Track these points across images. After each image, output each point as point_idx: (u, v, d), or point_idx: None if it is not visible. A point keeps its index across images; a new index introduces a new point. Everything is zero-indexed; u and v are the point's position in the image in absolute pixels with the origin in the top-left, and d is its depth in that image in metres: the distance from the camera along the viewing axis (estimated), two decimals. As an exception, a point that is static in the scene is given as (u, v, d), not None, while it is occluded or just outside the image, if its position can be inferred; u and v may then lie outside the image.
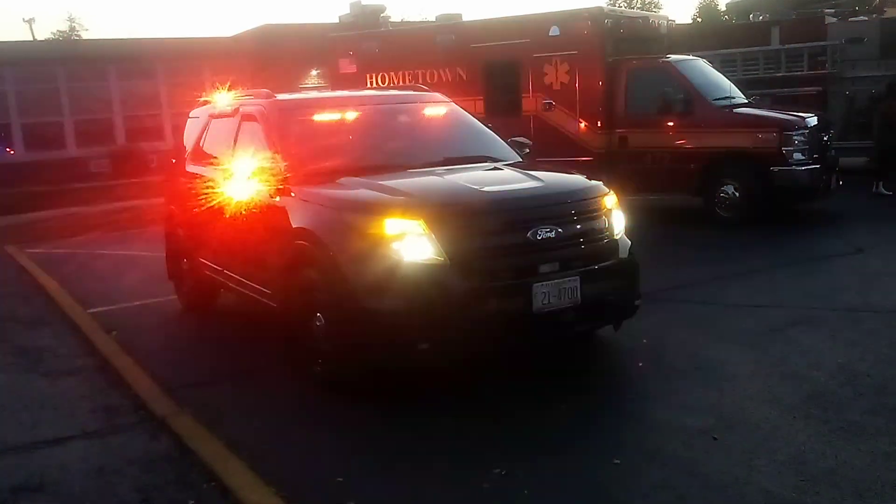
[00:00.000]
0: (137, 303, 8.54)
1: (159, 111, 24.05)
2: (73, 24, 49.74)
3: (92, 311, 8.25)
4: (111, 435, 5.12)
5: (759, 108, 11.79)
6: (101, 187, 19.87)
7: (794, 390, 5.15)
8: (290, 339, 5.94)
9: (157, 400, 5.60)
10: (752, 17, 19.10)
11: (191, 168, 7.88)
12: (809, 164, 10.69)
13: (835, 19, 15.68)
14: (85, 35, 47.86)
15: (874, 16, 15.85)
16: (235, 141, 6.93)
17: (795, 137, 10.67)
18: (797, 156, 10.63)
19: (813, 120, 11.09)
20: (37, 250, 12.43)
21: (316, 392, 5.54)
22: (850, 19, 15.48)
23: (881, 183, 12.54)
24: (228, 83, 7.73)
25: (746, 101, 11.87)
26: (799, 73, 14.93)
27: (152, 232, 10.79)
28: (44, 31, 56.83)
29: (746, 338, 6.28)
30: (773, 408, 4.89)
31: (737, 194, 10.97)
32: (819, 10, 17.80)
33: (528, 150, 6.91)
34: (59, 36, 46.74)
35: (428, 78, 13.52)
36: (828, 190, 11.27)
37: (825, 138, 11.30)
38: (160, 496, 4.27)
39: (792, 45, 15.24)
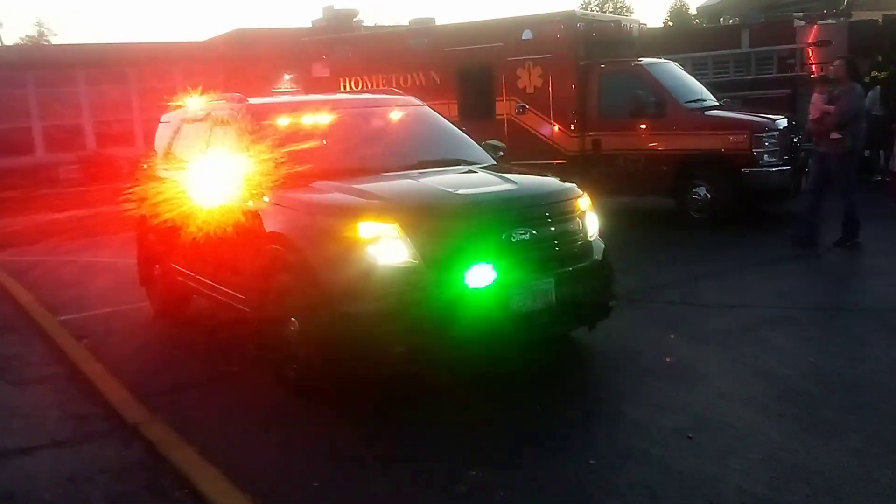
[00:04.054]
0: (108, 309, 8.44)
1: (130, 117, 23.83)
2: (42, 30, 49.16)
3: (62, 318, 8.14)
4: (82, 443, 5.05)
5: (729, 110, 11.90)
6: (70, 193, 19.63)
7: (766, 389, 5.20)
8: (263, 345, 5.90)
9: (128, 407, 5.53)
10: (723, 21, 19.33)
11: (162, 173, 7.80)
12: (779, 166, 10.83)
13: (803, 23, 15.88)
14: (54, 40, 47.34)
15: (842, 19, 16.04)
16: (208, 145, 6.88)
17: (766, 139, 10.80)
18: (767, 157, 10.76)
19: (783, 122, 11.22)
20: (4, 257, 12.25)
21: (290, 397, 5.50)
22: (818, 22, 15.67)
23: None
24: (200, 88, 7.67)
25: (717, 103, 11.99)
26: (769, 75, 15.11)
27: (123, 238, 10.68)
28: (12, 37, 56.24)
29: (719, 337, 6.33)
30: (747, 406, 4.93)
31: (708, 196, 11.07)
32: (788, 13, 18.01)
33: (501, 153, 6.93)
34: (28, 41, 46.18)
35: (402, 82, 13.51)
36: (797, 191, 11.38)
37: (795, 140, 11.43)
38: (133, 504, 4.22)
39: (761, 48, 15.42)
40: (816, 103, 9.30)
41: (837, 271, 8.33)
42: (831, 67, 9.70)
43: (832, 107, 9.03)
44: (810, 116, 9.44)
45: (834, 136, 8.94)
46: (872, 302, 7.12)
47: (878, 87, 13.71)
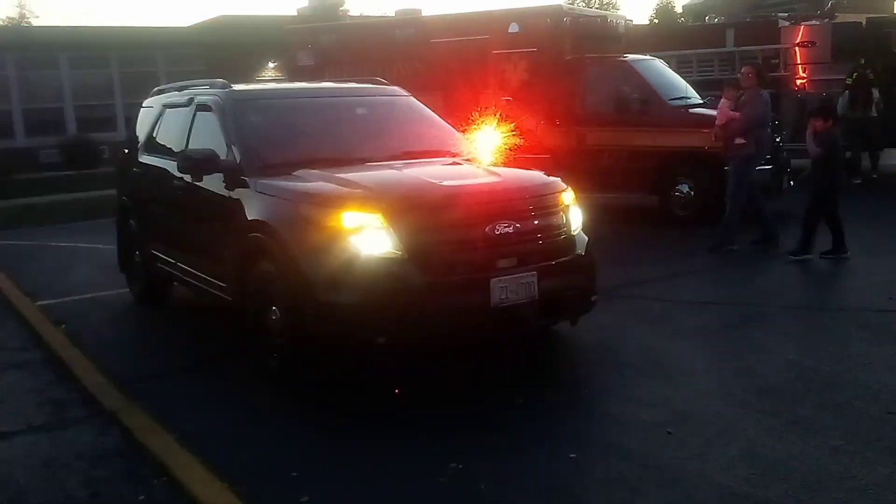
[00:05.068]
0: (87, 295, 8.37)
1: (112, 101, 23.62)
2: (23, 11, 48.48)
3: (40, 303, 8.07)
4: (59, 429, 5.00)
5: (713, 108, 11.92)
6: (51, 178, 19.46)
7: (746, 385, 5.23)
8: (244, 333, 5.86)
9: (106, 393, 5.49)
10: (708, 20, 19.36)
11: (144, 159, 7.73)
12: (762, 165, 10.86)
13: (787, 23, 15.96)
14: (35, 22, 46.71)
15: (826, 21, 16.14)
16: (190, 132, 6.81)
17: (748, 138, 10.83)
18: (750, 156, 10.79)
19: (765, 121, 11.26)
20: (-17, 241, 12.10)
21: (271, 386, 5.48)
22: (802, 23, 15.77)
23: None
24: (183, 73, 7.59)
25: (701, 101, 12.03)
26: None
27: (103, 224, 10.58)
28: (-8, 18, 55.33)
29: (700, 334, 6.37)
30: (726, 402, 4.96)
31: (691, 193, 11.12)
32: (773, 13, 18.09)
33: (486, 146, 6.90)
34: (8, 23, 45.57)
35: (387, 72, 13.39)
36: (779, 190, 11.47)
37: (777, 140, 11.49)
38: (109, 491, 4.19)
39: (746, 48, 15.48)
40: (723, 109, 9.46)
41: (817, 271, 8.40)
42: (740, 74, 9.87)
43: (737, 113, 9.24)
44: (717, 122, 9.59)
45: (739, 141, 9.17)
46: (852, 301, 7.18)
47: (847, 91, 13.79)
